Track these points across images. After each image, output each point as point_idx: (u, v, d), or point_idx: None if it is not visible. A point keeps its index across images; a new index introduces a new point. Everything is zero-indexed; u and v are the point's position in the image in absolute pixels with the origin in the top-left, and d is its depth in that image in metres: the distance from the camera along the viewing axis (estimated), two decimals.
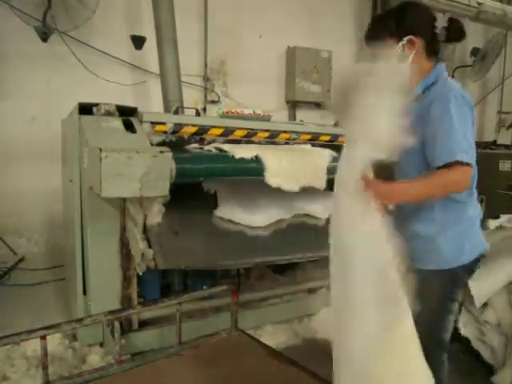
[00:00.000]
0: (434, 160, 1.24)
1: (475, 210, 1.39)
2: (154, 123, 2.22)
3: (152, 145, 2.09)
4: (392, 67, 1.21)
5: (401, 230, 1.22)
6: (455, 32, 1.35)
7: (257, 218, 2.29)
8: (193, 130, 2.34)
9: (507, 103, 7.13)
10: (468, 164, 1.20)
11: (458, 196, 1.32)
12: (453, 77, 5.73)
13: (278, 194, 2.22)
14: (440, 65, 1.37)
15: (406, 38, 1.31)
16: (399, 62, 1.29)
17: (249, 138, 2.54)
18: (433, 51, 1.36)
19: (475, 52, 6.52)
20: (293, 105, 5.38)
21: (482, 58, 6.24)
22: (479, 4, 2.91)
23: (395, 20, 1.34)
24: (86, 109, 2.07)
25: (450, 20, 1.34)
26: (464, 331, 2.22)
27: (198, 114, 2.61)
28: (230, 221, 2.24)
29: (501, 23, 3.15)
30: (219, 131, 2.43)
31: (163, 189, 1.81)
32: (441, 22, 1.33)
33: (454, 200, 1.32)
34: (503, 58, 6.66)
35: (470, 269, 1.39)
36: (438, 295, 1.38)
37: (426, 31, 1.34)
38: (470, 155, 1.21)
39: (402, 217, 1.38)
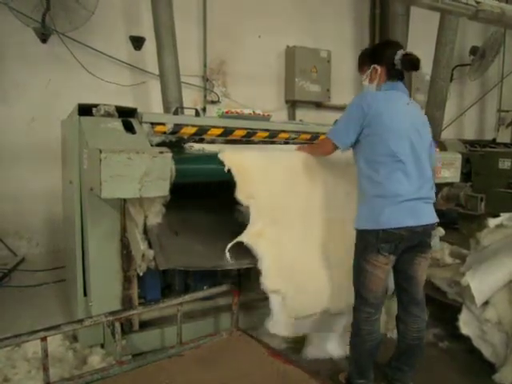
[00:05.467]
0: None
1: (388, 190, 1.78)
2: (153, 124, 2.23)
3: (152, 145, 2.09)
4: (365, 84, 2.00)
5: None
6: (407, 63, 1.87)
7: None
8: (192, 130, 2.34)
9: (506, 101, 7.13)
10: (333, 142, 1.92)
11: (375, 176, 1.80)
12: (452, 75, 5.73)
13: None
14: (387, 83, 1.91)
15: (372, 66, 1.95)
16: (370, 80, 1.96)
17: (248, 138, 2.54)
18: (393, 75, 1.92)
19: (474, 51, 6.52)
20: (292, 104, 5.38)
21: (481, 57, 6.25)
22: (477, 3, 2.90)
23: (369, 54, 2.01)
24: (85, 110, 2.07)
25: (404, 55, 1.86)
26: (465, 330, 2.22)
27: (197, 114, 2.60)
28: None
29: (499, 22, 3.14)
30: (219, 131, 2.43)
31: (163, 189, 1.81)
32: (398, 55, 1.86)
33: (371, 179, 1.82)
34: (502, 56, 6.66)
35: (383, 238, 1.76)
36: (356, 251, 1.89)
37: (387, 62, 1.90)
38: (338, 138, 1.90)
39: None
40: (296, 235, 2.14)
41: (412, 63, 1.87)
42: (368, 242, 1.80)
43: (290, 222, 2.13)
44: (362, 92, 1.96)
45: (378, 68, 1.92)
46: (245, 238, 1.99)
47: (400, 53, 1.86)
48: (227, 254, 1.99)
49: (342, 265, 2.08)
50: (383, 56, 1.92)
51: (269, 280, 2.00)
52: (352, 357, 1.96)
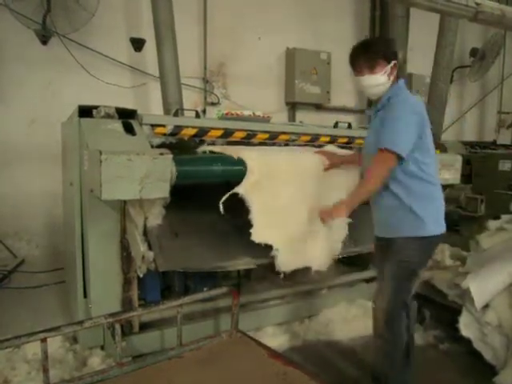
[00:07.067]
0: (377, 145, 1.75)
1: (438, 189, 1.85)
2: (153, 125, 2.23)
3: (152, 147, 2.10)
4: (381, 80, 1.83)
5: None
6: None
7: None
8: (192, 131, 2.35)
9: (506, 103, 7.14)
10: (394, 152, 1.70)
11: (425, 176, 1.78)
12: (452, 77, 5.73)
13: None
14: (401, 80, 1.87)
15: (393, 62, 1.84)
16: (389, 76, 1.84)
17: (248, 139, 2.54)
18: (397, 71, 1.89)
19: (474, 52, 6.53)
20: (292, 106, 5.38)
21: (481, 59, 6.25)
22: (477, 4, 2.91)
23: (388, 49, 1.87)
24: (85, 111, 2.07)
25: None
26: (465, 332, 2.21)
27: (197, 115, 2.60)
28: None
29: (499, 23, 3.15)
30: (219, 133, 2.43)
31: (163, 191, 1.81)
32: (400, 54, 1.81)
33: (421, 179, 1.78)
34: (502, 58, 6.67)
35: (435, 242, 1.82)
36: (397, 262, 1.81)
37: (397, 58, 1.87)
38: (400, 148, 1.70)
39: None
40: (289, 194, 2.20)
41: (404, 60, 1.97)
42: (418, 252, 1.77)
43: (284, 181, 2.18)
44: (398, 93, 1.82)
45: (396, 64, 1.87)
46: (241, 189, 2.03)
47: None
48: (221, 208, 2.00)
49: (327, 229, 2.25)
50: (396, 52, 1.90)
51: (258, 231, 2.07)
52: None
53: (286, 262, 2.17)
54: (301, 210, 2.23)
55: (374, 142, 1.81)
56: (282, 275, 2.20)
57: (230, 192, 2.01)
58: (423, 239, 1.76)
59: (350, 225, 2.38)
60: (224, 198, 2.00)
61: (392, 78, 1.84)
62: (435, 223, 1.79)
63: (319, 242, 2.28)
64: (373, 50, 1.84)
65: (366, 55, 1.84)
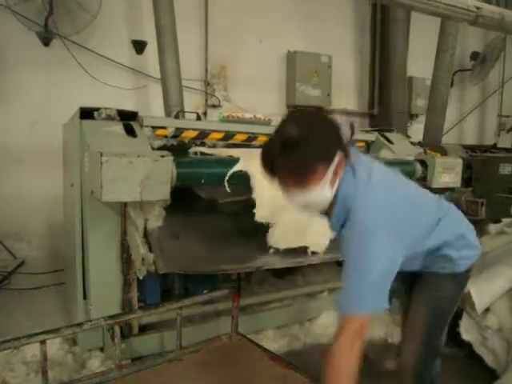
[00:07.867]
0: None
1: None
2: (154, 127, 2.23)
3: (153, 149, 2.10)
4: (325, 197, 1.17)
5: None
6: (353, 130, 1.20)
7: None
8: (193, 134, 2.35)
9: (507, 107, 7.14)
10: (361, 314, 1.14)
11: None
12: (452, 81, 5.74)
13: None
14: (347, 170, 1.19)
15: (338, 156, 1.13)
16: (330, 186, 1.15)
17: (249, 142, 2.55)
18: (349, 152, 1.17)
19: (474, 56, 6.55)
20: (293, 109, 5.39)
21: (482, 62, 6.28)
22: (477, 8, 2.92)
23: (327, 141, 1.13)
24: (87, 113, 2.08)
25: (351, 124, 1.20)
26: (466, 336, 2.21)
27: (198, 118, 2.61)
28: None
29: (499, 27, 3.17)
30: (220, 135, 2.44)
31: (164, 193, 1.81)
32: (344, 125, 1.16)
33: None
34: (502, 61, 6.68)
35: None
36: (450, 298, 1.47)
37: (344, 143, 1.16)
38: (368, 305, 1.13)
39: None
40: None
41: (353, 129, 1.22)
42: (455, 288, 1.45)
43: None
44: (354, 200, 1.17)
45: (342, 155, 1.16)
46: (240, 166, 2.05)
47: (342, 120, 1.19)
48: (226, 186, 2.02)
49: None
50: (342, 133, 1.16)
51: (259, 211, 2.09)
52: None
53: (279, 237, 2.16)
54: None
55: None
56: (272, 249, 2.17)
57: (232, 170, 2.03)
58: (459, 275, 1.43)
59: None
60: (228, 176, 2.01)
61: (339, 176, 1.17)
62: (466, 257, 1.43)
63: (315, 222, 2.22)
64: (303, 154, 1.09)
65: (292, 164, 1.10)
